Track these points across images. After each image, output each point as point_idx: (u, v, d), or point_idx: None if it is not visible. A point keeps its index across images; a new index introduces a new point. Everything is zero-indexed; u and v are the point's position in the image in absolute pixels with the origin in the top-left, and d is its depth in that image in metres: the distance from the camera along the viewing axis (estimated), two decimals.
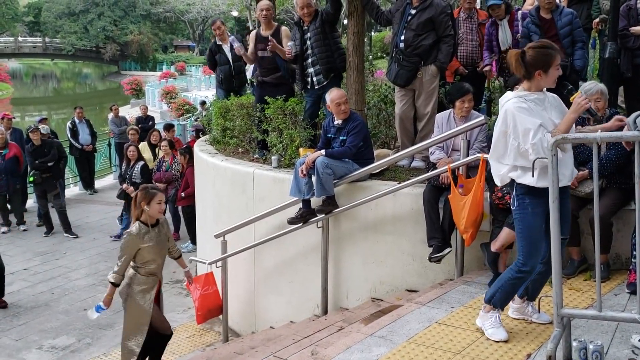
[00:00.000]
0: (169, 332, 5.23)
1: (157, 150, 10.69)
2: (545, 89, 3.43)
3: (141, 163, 9.94)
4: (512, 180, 3.43)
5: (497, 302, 3.56)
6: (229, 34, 7.38)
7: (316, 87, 6.09)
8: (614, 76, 5.47)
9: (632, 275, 4.05)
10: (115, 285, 4.89)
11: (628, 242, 4.27)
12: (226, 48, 8.09)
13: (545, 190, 3.17)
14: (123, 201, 10.08)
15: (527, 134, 3.22)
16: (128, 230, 4.93)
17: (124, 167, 10.17)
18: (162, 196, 4.98)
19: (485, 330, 3.61)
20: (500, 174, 3.47)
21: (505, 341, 3.51)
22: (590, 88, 4.41)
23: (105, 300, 4.94)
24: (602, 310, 2.99)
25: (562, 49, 5.51)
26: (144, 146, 10.92)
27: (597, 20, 6.64)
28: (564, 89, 3.35)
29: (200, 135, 10.07)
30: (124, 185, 9.88)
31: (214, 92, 11.17)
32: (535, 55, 3.33)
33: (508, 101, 3.36)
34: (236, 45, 6.81)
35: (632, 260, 4.06)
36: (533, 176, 3.28)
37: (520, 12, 6.29)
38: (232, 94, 7.71)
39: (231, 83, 8.09)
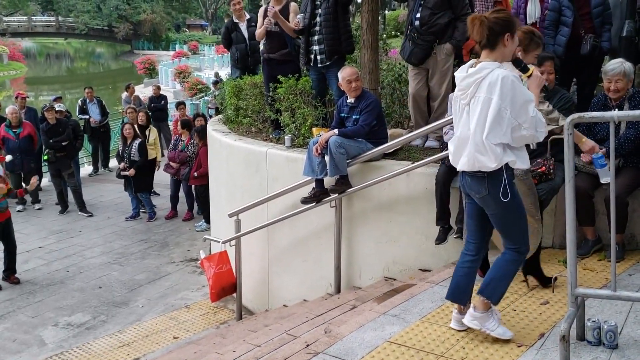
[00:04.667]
0: None
1: (146, 131, 10.65)
2: None
3: (138, 141, 10.02)
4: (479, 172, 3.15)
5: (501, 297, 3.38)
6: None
7: (319, 65, 6.06)
8: (630, 55, 5.38)
9: None
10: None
11: None
12: (243, 26, 8.02)
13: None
14: (123, 180, 10.21)
15: (526, 106, 3.01)
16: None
17: (120, 146, 10.25)
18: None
19: (491, 332, 3.34)
20: (499, 156, 3.06)
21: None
22: (614, 68, 4.31)
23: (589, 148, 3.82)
24: (616, 290, 2.97)
25: (593, 28, 5.42)
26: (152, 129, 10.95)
27: None
28: (521, 64, 3.22)
29: (213, 116, 10.09)
30: (121, 165, 9.98)
31: (227, 72, 11.12)
32: (501, 18, 3.10)
33: (493, 70, 3.04)
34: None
35: None
36: (524, 159, 3.14)
37: None
38: (247, 73, 7.67)
39: (247, 62, 8.05)
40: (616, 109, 4.31)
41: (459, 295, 3.48)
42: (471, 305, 3.42)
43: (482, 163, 3.10)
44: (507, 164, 3.11)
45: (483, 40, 3.13)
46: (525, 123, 3.02)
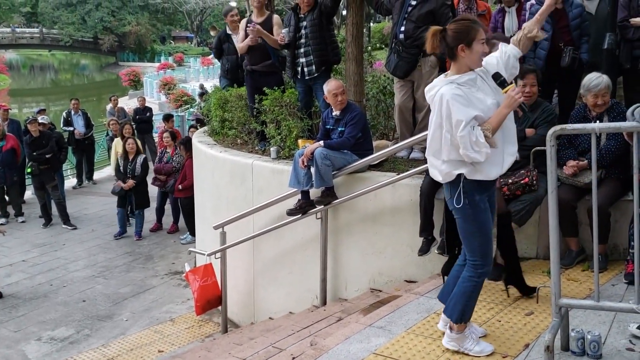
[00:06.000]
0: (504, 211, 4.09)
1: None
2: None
3: (142, 157, 9.85)
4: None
5: (469, 314, 3.34)
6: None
7: (306, 78, 6.08)
8: (612, 67, 5.45)
9: (629, 265, 4.06)
10: None
11: (626, 232, 4.28)
12: (235, 38, 8.02)
13: (487, 183, 3.17)
14: (117, 197, 9.89)
15: (458, 125, 3.02)
16: None
17: (121, 161, 9.94)
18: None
19: (469, 352, 3.31)
20: (443, 172, 3.18)
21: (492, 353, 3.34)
22: (598, 83, 4.35)
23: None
24: (600, 301, 3.00)
25: (572, 40, 5.50)
26: (117, 141, 10.82)
27: None
28: (498, 79, 3.15)
29: (198, 127, 10.06)
30: (129, 182, 9.58)
31: (213, 83, 11.12)
32: (455, 29, 3.11)
33: (441, 88, 3.12)
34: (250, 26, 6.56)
35: (630, 250, 4.07)
36: (480, 171, 3.11)
37: (529, 2, 6.26)
38: (235, 85, 7.67)
39: (237, 74, 8.05)
40: (597, 121, 4.36)
41: (444, 295, 3.53)
42: (448, 326, 3.41)
43: (434, 175, 3.28)
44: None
45: (441, 51, 3.20)
46: (459, 141, 3.04)
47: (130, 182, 9.63)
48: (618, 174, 4.44)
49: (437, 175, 3.26)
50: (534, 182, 4.31)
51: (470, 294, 3.27)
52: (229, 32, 8.10)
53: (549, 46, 5.52)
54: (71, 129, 12.87)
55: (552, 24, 5.51)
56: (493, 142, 3.06)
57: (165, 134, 10.31)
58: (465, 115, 3.02)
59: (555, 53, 5.51)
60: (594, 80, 4.40)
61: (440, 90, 3.12)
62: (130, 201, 9.83)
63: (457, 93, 3.06)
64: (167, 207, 10.22)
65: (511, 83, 3.15)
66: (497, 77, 3.15)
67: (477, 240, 3.22)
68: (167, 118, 12.34)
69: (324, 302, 5.49)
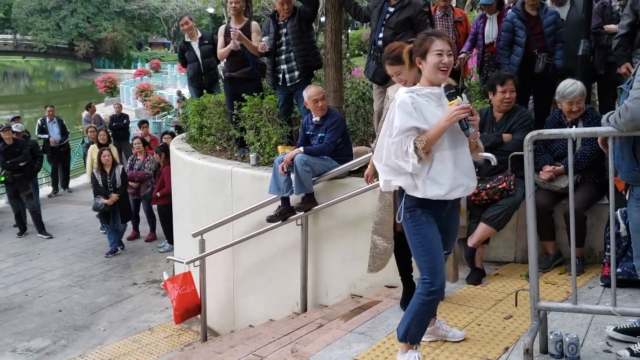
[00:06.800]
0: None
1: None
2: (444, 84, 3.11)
3: (120, 168, 9.56)
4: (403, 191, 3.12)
5: (415, 336, 3.14)
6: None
7: (288, 84, 6.07)
8: (587, 73, 5.54)
9: (606, 268, 4.12)
10: None
11: (601, 236, 4.34)
12: (195, 45, 8.01)
13: (431, 204, 3.04)
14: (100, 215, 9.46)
15: (394, 132, 2.99)
16: None
17: (98, 175, 9.34)
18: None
19: None
20: (382, 179, 3.17)
21: None
22: (573, 90, 4.41)
23: None
24: (577, 303, 3.04)
25: (546, 47, 5.58)
26: (94, 148, 10.69)
27: None
28: (447, 91, 3.06)
29: (176, 133, 9.99)
30: (112, 196, 9.14)
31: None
32: (413, 44, 3.14)
33: (399, 95, 3.07)
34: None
35: (606, 253, 4.13)
36: (419, 188, 3.02)
37: (509, 10, 6.35)
38: (203, 91, 7.67)
39: (201, 80, 8.04)
40: (573, 126, 4.43)
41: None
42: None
43: (380, 181, 3.21)
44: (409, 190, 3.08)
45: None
46: (390, 148, 3.01)
47: (114, 197, 9.16)
48: (593, 178, 4.50)
49: (381, 182, 3.20)
50: (512, 186, 4.35)
51: (416, 312, 3.09)
52: (187, 39, 8.09)
53: (522, 52, 5.60)
54: (46, 136, 12.71)
55: (527, 30, 5.59)
56: (424, 156, 2.96)
57: (135, 140, 10.18)
58: (403, 123, 2.97)
59: (530, 59, 5.59)
60: (569, 87, 4.46)
61: (397, 97, 3.08)
62: (115, 216, 9.29)
63: (406, 101, 3.01)
64: (142, 214, 10.10)
65: (458, 98, 3.04)
66: (448, 88, 3.07)
67: (422, 256, 3.08)
68: (141, 124, 12.26)
69: (305, 309, 5.47)
